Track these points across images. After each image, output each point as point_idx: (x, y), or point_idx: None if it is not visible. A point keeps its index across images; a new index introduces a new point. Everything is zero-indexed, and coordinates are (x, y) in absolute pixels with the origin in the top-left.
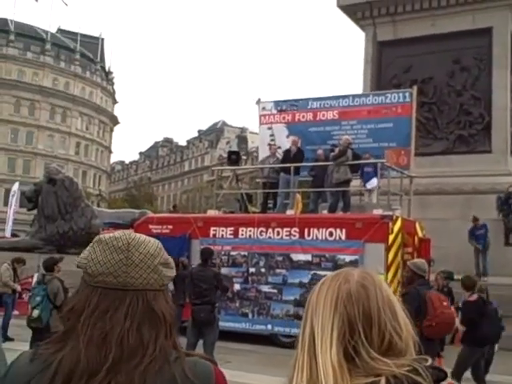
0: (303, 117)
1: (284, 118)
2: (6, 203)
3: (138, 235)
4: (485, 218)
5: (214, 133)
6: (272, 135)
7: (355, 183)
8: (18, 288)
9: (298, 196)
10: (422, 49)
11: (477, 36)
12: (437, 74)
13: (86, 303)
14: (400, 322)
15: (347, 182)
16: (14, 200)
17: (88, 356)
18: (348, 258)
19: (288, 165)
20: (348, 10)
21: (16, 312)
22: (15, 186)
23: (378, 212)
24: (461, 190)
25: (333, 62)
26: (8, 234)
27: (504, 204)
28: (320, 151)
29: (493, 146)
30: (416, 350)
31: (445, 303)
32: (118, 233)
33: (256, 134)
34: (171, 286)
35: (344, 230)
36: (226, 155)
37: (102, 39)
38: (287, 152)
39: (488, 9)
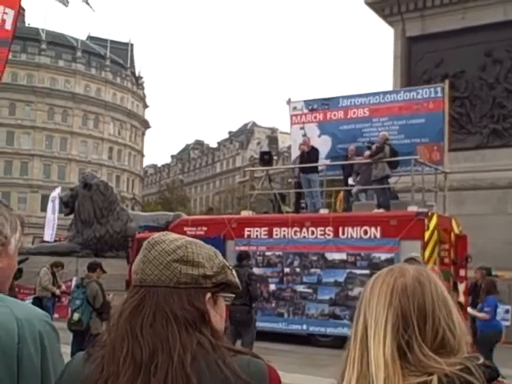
0: (334, 115)
1: (315, 117)
2: (42, 209)
3: (167, 235)
4: None
5: (245, 134)
6: (304, 135)
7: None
8: (58, 291)
9: (341, 194)
10: (453, 43)
11: (508, 27)
12: (468, 68)
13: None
14: (454, 319)
15: (386, 179)
16: (55, 205)
17: (115, 356)
18: (383, 256)
19: (318, 164)
20: (376, 6)
21: (56, 315)
22: (56, 192)
23: (413, 209)
24: (496, 184)
25: (362, 59)
26: (51, 238)
27: None
28: (352, 146)
29: None
30: (468, 351)
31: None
32: (155, 234)
33: (286, 134)
34: None
35: (379, 228)
36: (256, 156)
37: (132, 45)
38: (302, 153)
39: None
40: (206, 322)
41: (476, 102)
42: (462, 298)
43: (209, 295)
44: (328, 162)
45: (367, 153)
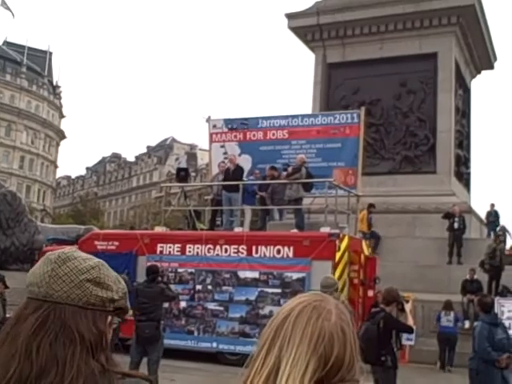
0: (254, 135)
1: (235, 136)
2: None
3: (77, 252)
4: (428, 236)
5: (163, 149)
6: (225, 153)
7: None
8: None
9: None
10: (371, 71)
11: (423, 60)
12: (384, 96)
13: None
14: (359, 358)
15: (300, 200)
16: None
17: None
18: (295, 276)
19: (237, 182)
20: (298, 31)
21: None
22: None
23: (325, 230)
24: (406, 209)
25: (283, 81)
26: None
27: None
28: (268, 170)
29: (437, 167)
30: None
31: None
32: (64, 249)
33: (206, 150)
34: None
35: (292, 248)
36: (174, 171)
37: (50, 53)
38: (227, 170)
39: (433, 35)
40: (104, 346)
41: (390, 129)
42: (410, 320)
43: (110, 319)
44: (245, 181)
45: (284, 174)
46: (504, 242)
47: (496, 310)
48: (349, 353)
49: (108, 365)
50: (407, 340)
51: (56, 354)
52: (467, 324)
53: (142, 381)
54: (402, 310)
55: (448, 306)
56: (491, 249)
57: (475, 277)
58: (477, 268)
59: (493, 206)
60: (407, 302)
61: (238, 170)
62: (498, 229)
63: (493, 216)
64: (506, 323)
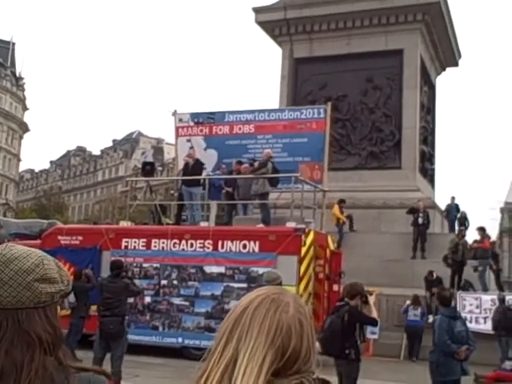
0: (220, 130)
1: (201, 130)
2: None
3: (14, 249)
4: (393, 231)
5: (130, 143)
6: (191, 148)
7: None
8: None
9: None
10: (337, 67)
11: (389, 56)
12: (351, 92)
13: None
14: (315, 351)
15: (266, 195)
16: None
17: None
18: (261, 271)
19: (199, 177)
20: (266, 26)
21: None
22: None
23: (291, 225)
24: (372, 204)
25: (250, 76)
26: None
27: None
28: (235, 164)
29: (402, 163)
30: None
31: None
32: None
33: (173, 145)
34: (72, 298)
35: (257, 243)
36: (141, 166)
37: (13, 43)
38: (186, 165)
39: (399, 31)
40: (61, 341)
41: (356, 124)
42: (374, 313)
43: (59, 309)
44: (210, 175)
45: (245, 165)
46: (464, 233)
47: (458, 304)
48: (306, 345)
49: (65, 360)
50: (371, 334)
51: (14, 359)
52: (431, 318)
53: (95, 375)
54: (366, 302)
55: (416, 300)
56: (454, 243)
57: (435, 275)
58: (440, 263)
59: (453, 199)
60: (371, 294)
61: (198, 165)
62: (458, 216)
63: (454, 209)
64: (468, 317)
